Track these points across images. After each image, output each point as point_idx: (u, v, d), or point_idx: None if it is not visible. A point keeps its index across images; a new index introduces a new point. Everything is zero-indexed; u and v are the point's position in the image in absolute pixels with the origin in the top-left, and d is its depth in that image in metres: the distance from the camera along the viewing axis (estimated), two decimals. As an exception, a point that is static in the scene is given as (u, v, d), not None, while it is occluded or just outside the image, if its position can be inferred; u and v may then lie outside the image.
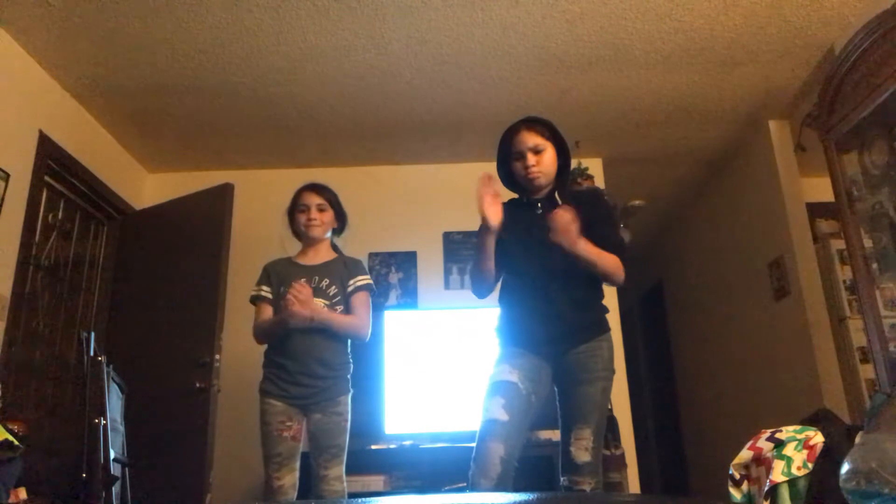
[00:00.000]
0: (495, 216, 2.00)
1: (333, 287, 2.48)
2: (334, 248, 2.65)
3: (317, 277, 2.49)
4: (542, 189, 2.14)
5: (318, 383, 2.39)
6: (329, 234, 2.62)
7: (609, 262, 2.04)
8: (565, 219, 1.90)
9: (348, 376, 2.48)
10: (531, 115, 2.19)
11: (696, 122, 3.89)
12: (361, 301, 2.51)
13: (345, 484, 2.41)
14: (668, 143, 4.15)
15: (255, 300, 2.54)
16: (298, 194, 2.60)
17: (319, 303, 2.43)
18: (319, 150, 4.08)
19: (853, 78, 2.69)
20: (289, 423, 2.37)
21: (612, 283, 2.12)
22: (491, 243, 2.05)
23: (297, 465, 2.40)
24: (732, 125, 3.95)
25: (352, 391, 2.47)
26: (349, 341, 2.52)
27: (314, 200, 2.55)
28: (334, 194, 2.62)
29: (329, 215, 2.58)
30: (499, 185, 2.12)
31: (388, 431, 3.38)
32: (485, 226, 2.02)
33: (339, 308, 2.48)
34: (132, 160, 4.09)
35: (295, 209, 2.58)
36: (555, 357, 2.03)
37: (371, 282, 2.56)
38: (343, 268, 2.54)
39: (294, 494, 2.38)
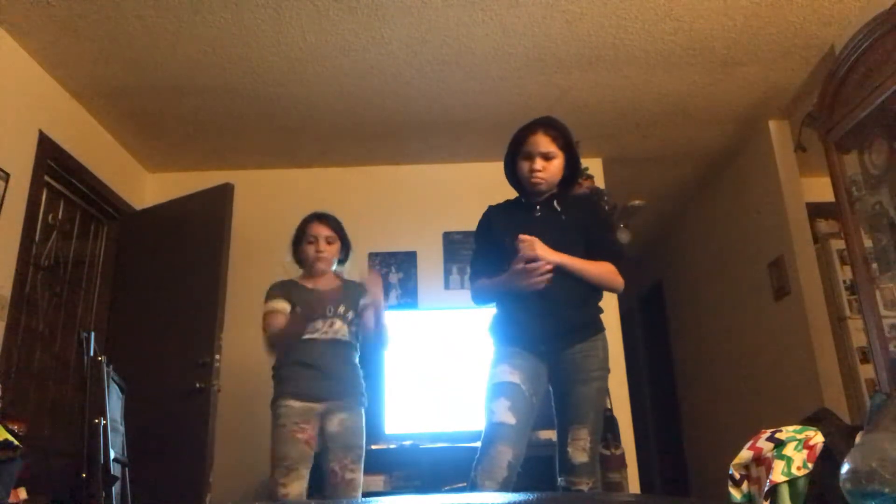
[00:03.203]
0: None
1: (351, 312, 2.50)
2: (336, 273, 2.65)
3: (332, 306, 2.47)
4: (543, 193, 2.15)
5: (344, 380, 2.41)
6: (335, 266, 2.62)
7: (598, 270, 2.06)
8: (530, 253, 1.96)
9: (363, 392, 2.50)
10: (549, 116, 2.18)
11: (696, 122, 3.89)
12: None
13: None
14: (668, 143, 4.15)
15: (269, 301, 2.49)
16: (307, 225, 2.56)
17: (337, 324, 2.46)
18: (319, 150, 4.08)
19: (853, 78, 2.69)
20: (304, 426, 2.30)
21: (609, 290, 2.13)
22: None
23: (307, 474, 2.29)
24: (732, 125, 3.95)
25: (365, 405, 2.49)
26: (358, 359, 2.54)
27: (324, 232, 2.53)
28: (340, 224, 2.61)
29: (337, 247, 2.57)
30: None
31: (388, 431, 3.38)
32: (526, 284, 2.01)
33: (353, 329, 2.50)
34: (132, 160, 4.08)
35: (303, 238, 2.55)
36: (551, 356, 2.04)
37: None
38: (354, 292, 2.54)
39: None
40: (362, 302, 2.51)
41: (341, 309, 2.49)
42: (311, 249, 2.51)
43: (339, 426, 2.34)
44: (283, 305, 2.45)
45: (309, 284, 2.53)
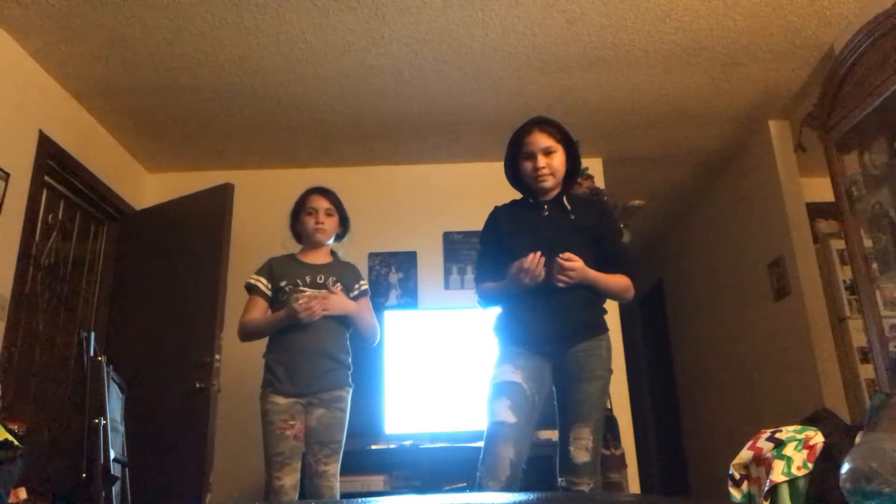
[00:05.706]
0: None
1: (340, 285, 2.52)
2: (331, 252, 2.67)
3: (322, 276, 2.51)
4: (550, 191, 2.15)
5: (327, 367, 2.40)
6: (332, 241, 2.64)
7: (618, 285, 2.08)
8: (568, 266, 1.95)
9: (349, 370, 2.49)
10: (541, 115, 2.20)
11: (696, 122, 3.89)
12: (368, 306, 2.57)
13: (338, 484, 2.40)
14: (668, 143, 4.15)
15: (251, 290, 2.53)
16: (307, 196, 2.59)
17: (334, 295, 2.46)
18: (319, 150, 4.08)
19: (853, 78, 2.69)
20: (291, 422, 2.36)
21: (622, 301, 2.15)
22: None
23: (299, 465, 2.38)
24: (732, 125, 3.95)
25: (352, 386, 2.48)
26: (347, 336, 2.53)
27: (323, 205, 2.56)
28: (340, 200, 2.63)
29: (335, 220, 2.59)
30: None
31: (388, 431, 3.38)
32: (529, 281, 2.00)
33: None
34: (132, 160, 4.08)
35: (302, 211, 2.58)
36: (555, 356, 2.04)
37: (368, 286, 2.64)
38: (346, 271, 2.59)
39: (295, 495, 2.36)
40: (356, 286, 2.55)
41: (331, 280, 2.50)
42: (310, 221, 2.54)
43: (316, 422, 2.37)
44: (263, 286, 2.51)
45: (304, 259, 2.57)
